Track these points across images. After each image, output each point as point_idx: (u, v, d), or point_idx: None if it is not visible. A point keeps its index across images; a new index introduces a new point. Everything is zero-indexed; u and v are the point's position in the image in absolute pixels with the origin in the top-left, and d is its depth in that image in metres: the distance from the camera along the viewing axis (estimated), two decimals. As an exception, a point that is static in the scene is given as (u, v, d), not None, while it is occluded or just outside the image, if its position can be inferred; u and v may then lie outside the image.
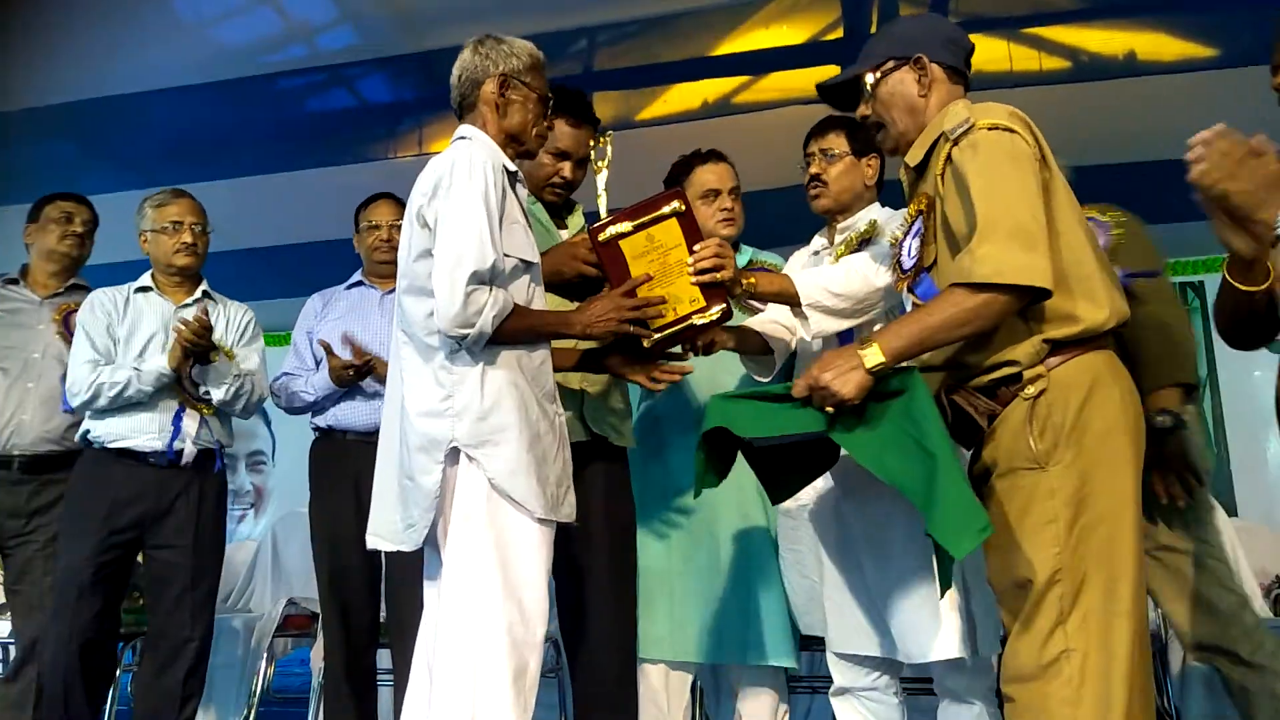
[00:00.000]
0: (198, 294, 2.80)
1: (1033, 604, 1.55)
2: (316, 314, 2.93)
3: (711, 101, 4.25)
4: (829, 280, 2.01)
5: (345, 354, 2.71)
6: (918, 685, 2.41)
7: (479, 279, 1.72)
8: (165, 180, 2.86)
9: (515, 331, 1.79)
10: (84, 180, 2.65)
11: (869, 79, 1.77)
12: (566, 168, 2.27)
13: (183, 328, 2.55)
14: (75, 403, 2.65)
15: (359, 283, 2.96)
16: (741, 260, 2.58)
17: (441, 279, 1.73)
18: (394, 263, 2.84)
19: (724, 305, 1.96)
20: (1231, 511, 4.32)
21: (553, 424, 1.86)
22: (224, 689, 3.65)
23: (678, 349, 2.04)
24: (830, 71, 4.19)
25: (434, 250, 1.78)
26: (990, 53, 3.87)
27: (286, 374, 2.89)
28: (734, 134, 4.08)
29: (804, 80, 4.08)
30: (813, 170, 2.25)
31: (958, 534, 1.51)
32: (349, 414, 2.78)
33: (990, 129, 1.60)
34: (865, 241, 2.16)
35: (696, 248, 1.92)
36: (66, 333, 2.84)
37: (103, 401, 2.59)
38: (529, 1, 3.51)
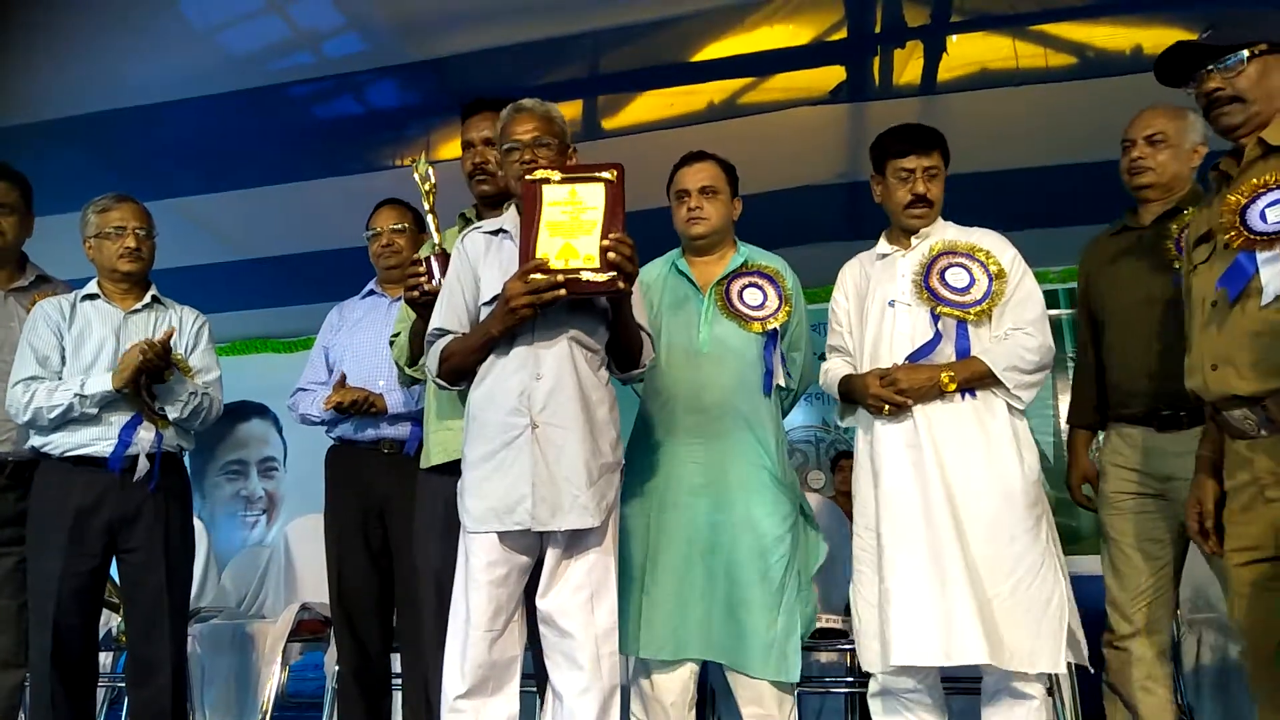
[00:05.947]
0: (146, 299, 2.73)
1: None
2: (333, 327, 2.94)
3: (716, 103, 4.25)
4: (1017, 358, 2.28)
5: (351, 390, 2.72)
6: (955, 686, 2.41)
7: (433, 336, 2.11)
8: (175, 191, 2.87)
9: (453, 371, 2.06)
10: (95, 191, 2.65)
11: (1245, 54, 1.80)
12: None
13: (147, 350, 2.49)
14: (19, 421, 2.57)
15: (371, 292, 2.97)
16: (738, 260, 2.57)
17: None
18: (399, 267, 2.88)
19: (616, 276, 1.94)
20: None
21: (510, 439, 1.98)
22: (238, 694, 3.67)
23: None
24: (835, 73, 4.20)
25: None
26: (996, 50, 3.85)
27: (301, 389, 2.91)
28: (738, 135, 4.08)
29: (808, 81, 4.08)
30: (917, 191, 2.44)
31: None
32: (359, 426, 2.79)
33: None
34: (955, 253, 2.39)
35: (610, 236, 1.93)
36: None
37: (44, 424, 2.54)
38: (534, 7, 3.51)
